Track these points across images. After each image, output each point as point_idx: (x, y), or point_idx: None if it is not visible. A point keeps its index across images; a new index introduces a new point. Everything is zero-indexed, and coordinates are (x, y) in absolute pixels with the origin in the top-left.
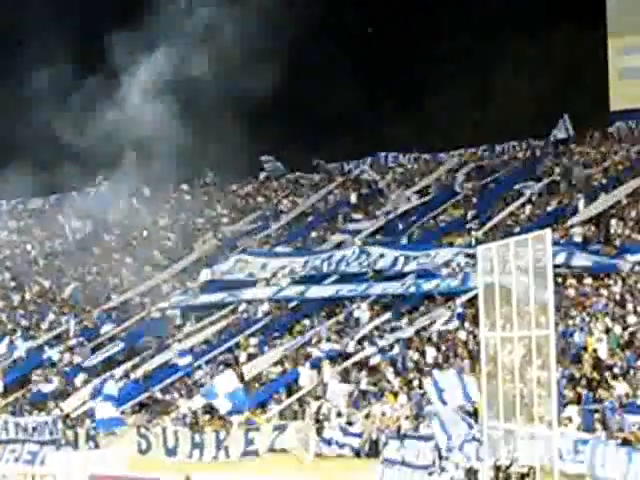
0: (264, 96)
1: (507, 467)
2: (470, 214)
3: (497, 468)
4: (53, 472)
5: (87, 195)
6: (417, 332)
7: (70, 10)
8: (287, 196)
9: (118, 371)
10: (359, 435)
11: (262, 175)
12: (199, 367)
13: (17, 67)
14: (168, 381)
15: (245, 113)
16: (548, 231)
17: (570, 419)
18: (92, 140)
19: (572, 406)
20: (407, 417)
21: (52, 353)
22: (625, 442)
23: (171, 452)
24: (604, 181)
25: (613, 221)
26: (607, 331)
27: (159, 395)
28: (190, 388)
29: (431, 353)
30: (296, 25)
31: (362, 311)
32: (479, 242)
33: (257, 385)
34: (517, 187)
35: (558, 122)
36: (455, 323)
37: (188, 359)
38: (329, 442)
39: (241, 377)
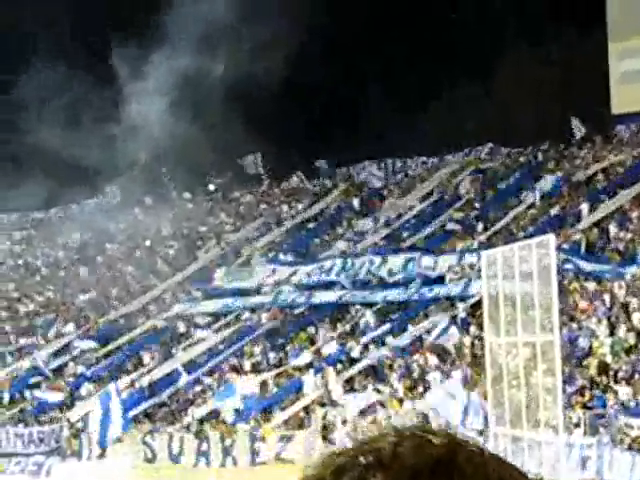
0: (267, 100)
1: None
2: (473, 218)
3: None
4: None
5: (89, 206)
6: (420, 338)
7: (73, 20)
8: (289, 203)
9: (123, 380)
10: None
11: (265, 183)
12: (203, 375)
13: (20, 79)
14: (173, 390)
15: (249, 117)
16: (552, 236)
17: (576, 424)
18: (95, 151)
19: (578, 411)
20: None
21: (57, 363)
22: (630, 447)
23: (177, 460)
24: (606, 185)
25: (613, 226)
26: (611, 335)
27: (164, 404)
28: (195, 397)
29: (435, 359)
30: (299, 31)
31: (367, 318)
32: (483, 246)
33: (262, 393)
34: (520, 191)
35: (570, 123)
36: (457, 329)
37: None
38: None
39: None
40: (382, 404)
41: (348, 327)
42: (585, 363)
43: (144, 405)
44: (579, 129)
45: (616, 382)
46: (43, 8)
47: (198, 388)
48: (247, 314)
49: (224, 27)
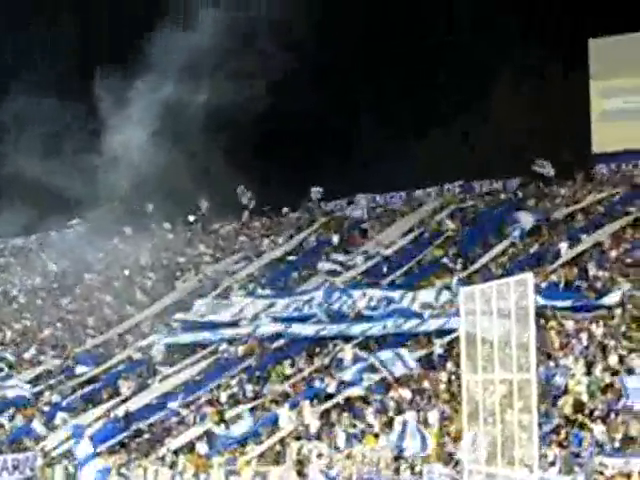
0: (248, 131)
1: None
2: (453, 255)
3: None
4: None
5: (68, 234)
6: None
7: (54, 48)
8: (269, 236)
9: (98, 410)
10: (339, 476)
11: (245, 215)
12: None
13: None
14: (148, 421)
15: (229, 149)
16: (530, 275)
17: (551, 462)
18: (75, 179)
19: (553, 449)
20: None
21: (32, 392)
22: None
23: None
24: (586, 223)
25: (592, 264)
26: (588, 373)
27: (140, 435)
28: (170, 428)
29: (409, 394)
30: (286, 60)
31: (344, 352)
32: (462, 283)
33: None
34: (500, 229)
35: (540, 162)
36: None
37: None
38: None
39: (221, 417)
40: (358, 439)
41: (325, 361)
42: (561, 402)
43: (119, 436)
44: (547, 171)
45: (592, 421)
46: (24, 35)
47: (174, 420)
48: (224, 346)
49: (209, 55)
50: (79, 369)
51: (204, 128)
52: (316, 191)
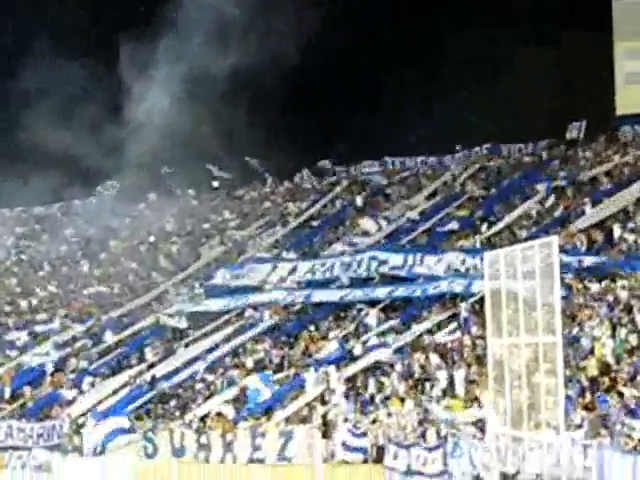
0: (271, 98)
1: (514, 476)
2: (477, 216)
3: (504, 476)
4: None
5: (93, 202)
6: (421, 336)
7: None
8: (294, 201)
9: (124, 376)
10: (365, 438)
11: (269, 181)
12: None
13: (22, 73)
14: (175, 386)
15: (255, 114)
16: (555, 238)
17: (577, 425)
18: (99, 147)
19: (580, 412)
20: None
21: (59, 358)
22: (635, 448)
23: (178, 453)
24: (610, 186)
25: (618, 226)
26: (614, 336)
27: (166, 401)
28: (197, 393)
29: (437, 358)
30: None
31: (369, 316)
32: (486, 245)
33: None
34: (524, 190)
35: (572, 123)
36: (459, 328)
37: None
38: (336, 448)
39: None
40: (384, 403)
41: (350, 325)
42: (587, 364)
43: (145, 401)
44: (578, 132)
45: (618, 383)
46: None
47: (200, 385)
48: (250, 311)
49: (232, 21)
50: (106, 335)
51: (229, 90)
52: (326, 162)
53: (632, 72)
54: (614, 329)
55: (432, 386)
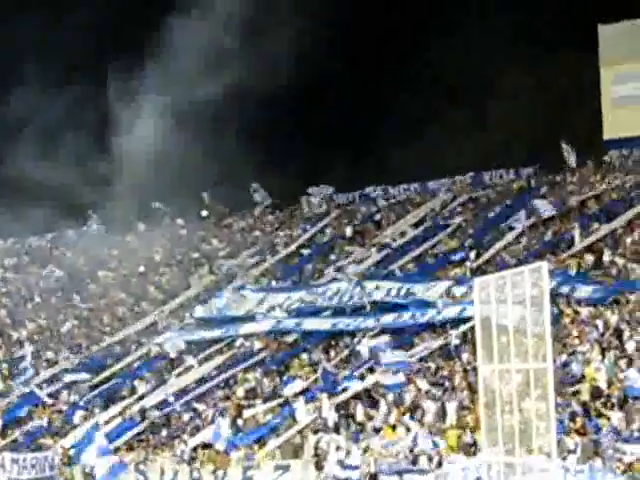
0: (260, 125)
1: None
2: (466, 246)
3: None
4: None
5: (82, 232)
6: (412, 363)
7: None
8: (283, 230)
9: (116, 408)
10: (358, 468)
11: (257, 209)
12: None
13: (9, 100)
14: (165, 417)
15: (245, 142)
16: (544, 264)
17: (570, 450)
18: (88, 177)
19: (571, 437)
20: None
21: (50, 390)
22: (624, 472)
23: None
24: (598, 210)
25: (607, 251)
26: (604, 360)
27: (157, 431)
28: (187, 424)
29: (426, 385)
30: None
31: (360, 344)
32: (476, 272)
33: (254, 421)
34: (512, 218)
35: (564, 150)
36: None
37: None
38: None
39: (239, 412)
40: (376, 431)
41: (341, 353)
42: (578, 389)
43: (136, 433)
44: (569, 154)
45: (609, 408)
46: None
47: (190, 416)
48: (240, 341)
49: (222, 48)
50: (96, 367)
51: (217, 118)
52: (316, 190)
53: (619, 96)
54: (604, 353)
55: (423, 413)
